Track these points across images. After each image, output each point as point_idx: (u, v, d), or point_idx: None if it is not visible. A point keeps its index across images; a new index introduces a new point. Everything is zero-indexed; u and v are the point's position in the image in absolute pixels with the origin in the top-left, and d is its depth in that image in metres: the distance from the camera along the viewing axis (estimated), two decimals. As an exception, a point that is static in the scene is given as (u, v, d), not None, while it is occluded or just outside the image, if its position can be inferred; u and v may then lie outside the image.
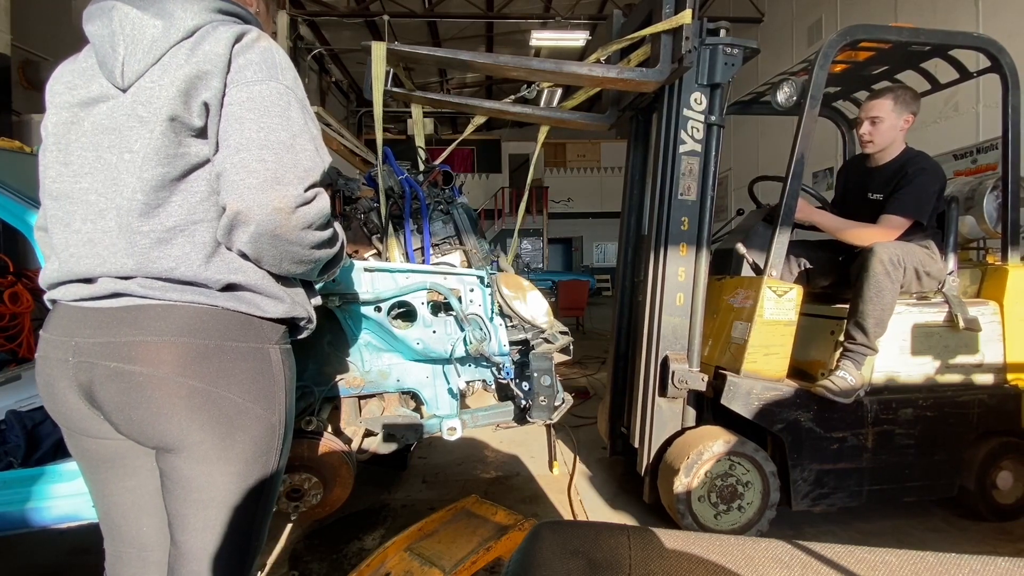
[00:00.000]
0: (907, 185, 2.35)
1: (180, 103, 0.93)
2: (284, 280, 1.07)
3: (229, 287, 0.99)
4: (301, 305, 1.11)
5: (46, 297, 1.04)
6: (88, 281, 0.97)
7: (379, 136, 2.22)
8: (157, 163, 0.93)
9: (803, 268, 2.60)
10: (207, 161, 0.97)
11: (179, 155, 0.95)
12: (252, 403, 1.00)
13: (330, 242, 1.05)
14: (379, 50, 2.15)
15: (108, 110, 0.96)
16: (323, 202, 1.00)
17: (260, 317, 1.03)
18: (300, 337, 1.18)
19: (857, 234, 2.40)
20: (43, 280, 1.03)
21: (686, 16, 2.12)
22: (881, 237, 2.32)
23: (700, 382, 2.23)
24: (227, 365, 0.98)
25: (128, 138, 0.94)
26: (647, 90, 2.37)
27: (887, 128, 2.42)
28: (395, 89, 2.31)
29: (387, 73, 2.22)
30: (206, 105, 0.94)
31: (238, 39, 0.96)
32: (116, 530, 1.13)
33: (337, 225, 1.13)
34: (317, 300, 1.22)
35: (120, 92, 0.95)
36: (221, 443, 0.98)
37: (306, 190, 0.95)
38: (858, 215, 2.49)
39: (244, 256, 0.99)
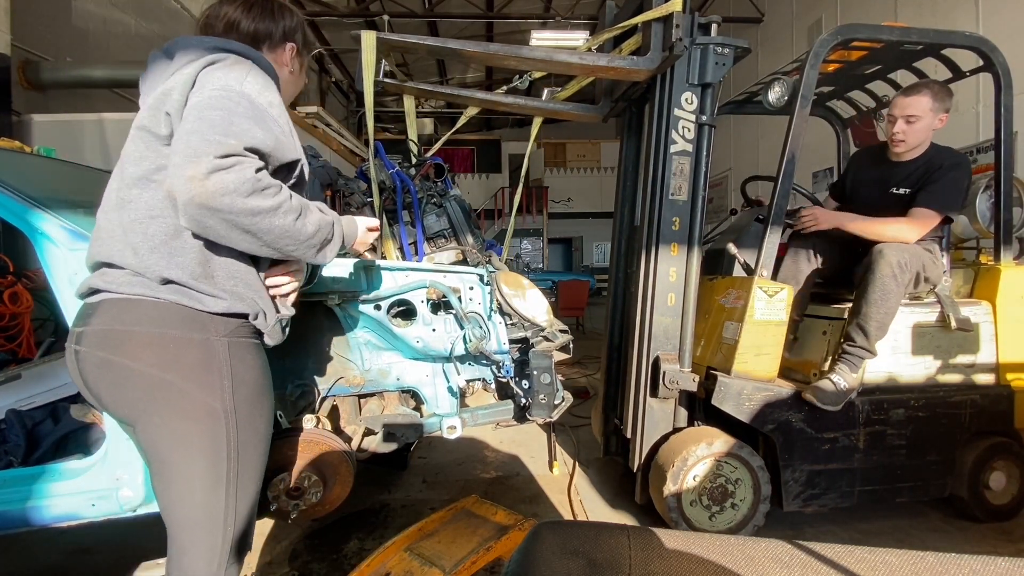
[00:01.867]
0: (941, 179, 2.31)
1: (149, 115, 1.11)
2: (224, 278, 1.15)
3: (168, 281, 1.11)
4: (246, 302, 1.17)
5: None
6: (95, 267, 1.16)
7: (370, 126, 2.21)
8: (130, 163, 1.12)
9: (819, 265, 2.53)
10: None
11: (146, 157, 1.11)
12: (195, 389, 1.12)
13: (281, 211, 1.07)
14: (369, 39, 2.15)
15: (133, 125, 1.17)
16: (243, 169, 1.02)
17: (201, 310, 1.13)
18: (269, 342, 1.25)
19: (887, 230, 2.32)
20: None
21: (676, 3, 2.12)
22: (913, 230, 2.30)
23: (691, 383, 2.24)
24: (170, 352, 1.10)
25: (127, 146, 1.15)
26: (639, 79, 2.37)
27: (923, 128, 2.35)
28: (386, 80, 2.31)
29: (378, 63, 2.21)
30: (168, 115, 1.09)
31: (212, 62, 1.12)
32: None
33: (323, 211, 1.19)
34: (287, 311, 1.29)
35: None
36: (165, 421, 1.11)
37: (220, 157, 1.00)
38: (877, 210, 2.42)
39: (197, 238, 1.10)
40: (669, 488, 2.20)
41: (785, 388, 2.27)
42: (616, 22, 2.59)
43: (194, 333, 1.12)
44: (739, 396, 2.22)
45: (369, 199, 2.20)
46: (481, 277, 2.04)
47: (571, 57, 2.25)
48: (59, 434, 1.95)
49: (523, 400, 2.08)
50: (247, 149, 1.04)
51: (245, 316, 1.19)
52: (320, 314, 1.99)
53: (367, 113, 2.23)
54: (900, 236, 2.30)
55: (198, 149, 0.99)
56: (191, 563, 1.15)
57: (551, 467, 3.14)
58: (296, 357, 2.03)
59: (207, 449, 1.13)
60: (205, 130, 1.01)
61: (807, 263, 2.50)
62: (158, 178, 1.10)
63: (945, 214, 2.30)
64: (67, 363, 1.18)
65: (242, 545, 1.22)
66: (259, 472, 1.23)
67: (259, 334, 1.24)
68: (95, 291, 1.14)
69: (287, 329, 1.31)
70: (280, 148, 1.12)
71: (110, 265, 1.12)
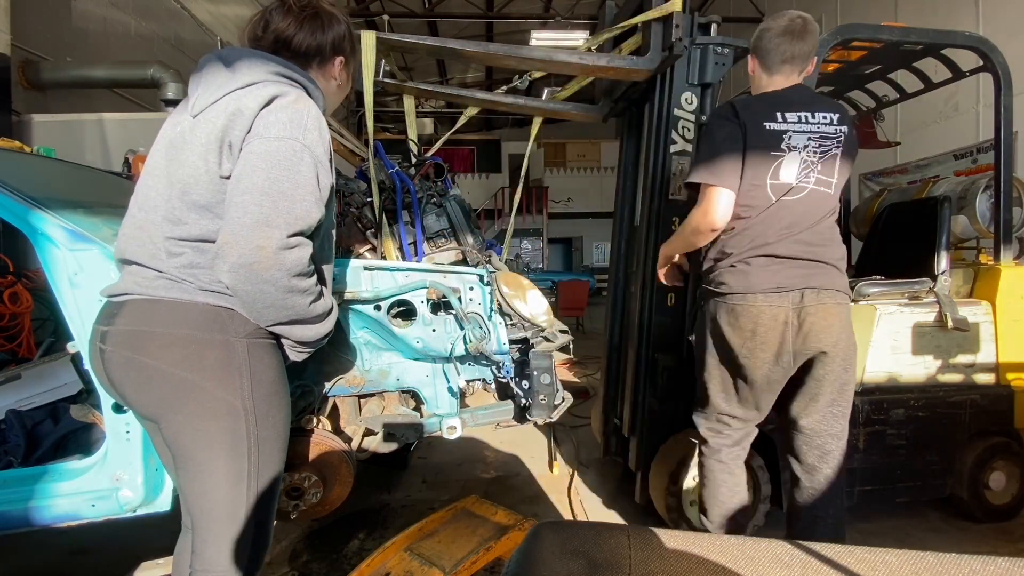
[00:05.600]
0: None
1: (214, 153, 1.13)
2: None
3: (213, 291, 1.16)
4: None
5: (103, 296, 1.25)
6: (120, 274, 1.22)
7: (370, 126, 2.21)
8: (195, 191, 1.14)
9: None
10: None
11: (209, 190, 1.14)
12: (215, 387, 1.15)
13: (307, 294, 1.18)
14: (369, 39, 2.14)
15: (180, 132, 1.18)
16: (304, 252, 1.13)
17: (230, 309, 1.17)
18: (292, 358, 1.33)
19: (684, 232, 1.85)
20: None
21: (676, 3, 2.12)
22: (699, 213, 1.75)
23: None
24: (194, 352, 1.14)
25: (175, 156, 1.16)
26: (638, 79, 2.37)
27: None
28: (386, 80, 2.31)
29: (378, 63, 2.21)
30: (230, 147, 1.12)
31: (272, 99, 1.13)
32: (180, 494, 1.31)
33: (328, 296, 1.30)
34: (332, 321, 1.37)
35: (191, 119, 1.17)
36: (188, 419, 1.15)
37: (290, 236, 1.09)
38: None
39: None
40: (669, 488, 2.20)
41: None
42: (616, 22, 2.58)
43: (215, 334, 1.16)
44: (739, 396, 2.21)
45: (369, 199, 2.20)
46: (481, 277, 2.04)
47: (571, 57, 2.25)
48: (59, 434, 1.95)
49: (523, 401, 2.08)
50: (307, 228, 1.13)
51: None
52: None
53: (367, 113, 2.22)
54: (697, 228, 1.75)
55: (270, 219, 1.07)
56: (214, 555, 1.18)
57: (551, 467, 3.14)
58: (296, 357, 2.03)
59: (228, 446, 1.17)
60: (276, 197, 1.08)
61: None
62: (217, 211, 1.14)
63: (698, 180, 1.72)
64: (91, 360, 1.23)
65: (263, 541, 1.26)
66: (278, 468, 1.27)
67: (275, 335, 1.27)
68: (124, 291, 1.17)
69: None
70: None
71: (144, 266, 1.16)
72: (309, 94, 1.23)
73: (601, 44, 2.52)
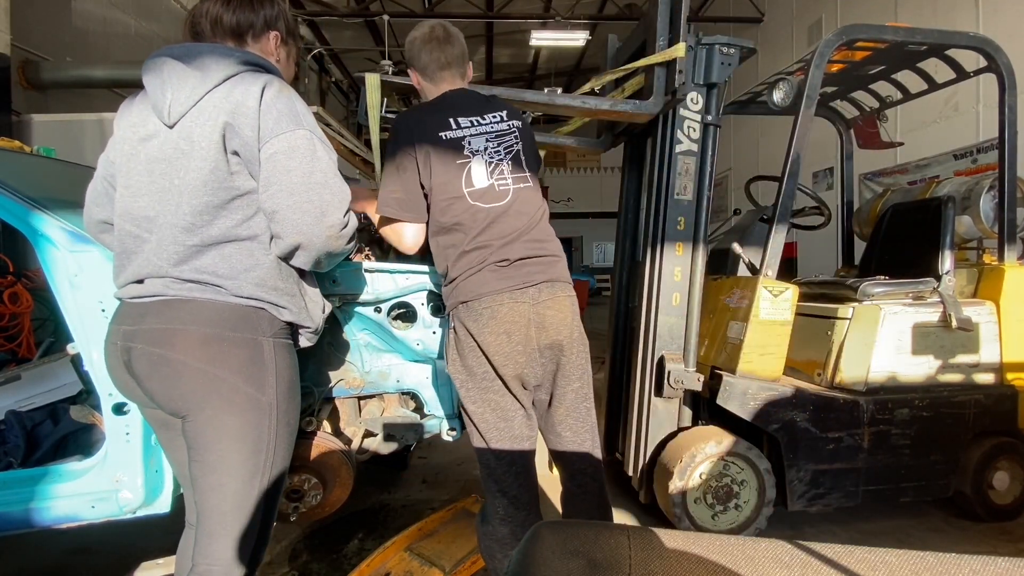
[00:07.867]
0: None
1: (219, 152, 1.17)
2: (297, 295, 1.32)
3: (244, 296, 1.21)
4: (309, 316, 1.35)
5: (114, 295, 1.28)
6: (139, 282, 1.22)
7: (377, 167, 2.19)
8: (204, 192, 1.18)
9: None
10: (246, 193, 1.22)
11: (223, 188, 1.19)
12: (244, 384, 1.20)
13: (352, 239, 1.31)
14: (373, 80, 2.16)
15: (159, 144, 1.21)
16: (354, 219, 1.29)
17: (260, 309, 1.24)
18: (301, 346, 1.38)
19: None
20: (115, 278, 1.28)
21: (679, 49, 2.11)
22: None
23: (696, 382, 2.23)
24: (224, 350, 1.19)
25: (176, 166, 1.19)
26: (640, 121, 2.36)
27: None
28: (390, 115, 2.31)
29: (382, 101, 2.22)
30: (236, 153, 1.18)
31: (262, 91, 1.18)
32: (186, 491, 1.37)
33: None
34: (329, 306, 1.45)
35: (168, 128, 1.20)
36: (215, 414, 1.19)
37: (345, 214, 1.23)
38: None
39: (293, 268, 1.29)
40: (675, 484, 2.20)
41: (789, 388, 2.27)
42: (618, 57, 2.57)
43: (245, 333, 1.22)
44: (744, 396, 2.21)
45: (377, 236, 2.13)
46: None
47: (574, 101, 2.23)
48: (59, 435, 1.95)
49: (523, 401, 2.07)
50: (349, 200, 1.25)
51: (300, 327, 1.35)
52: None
53: (374, 154, 2.21)
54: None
55: (324, 209, 1.19)
56: (219, 549, 1.21)
57: (551, 467, 3.13)
58: (296, 359, 2.02)
59: (251, 440, 1.22)
60: (317, 188, 1.18)
61: None
62: (233, 205, 1.21)
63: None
64: (110, 360, 1.26)
65: (265, 537, 1.29)
66: (286, 464, 1.32)
67: (293, 336, 1.36)
68: (156, 295, 1.20)
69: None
70: None
71: (169, 276, 1.19)
72: (273, 74, 1.27)
73: (604, 84, 2.51)
